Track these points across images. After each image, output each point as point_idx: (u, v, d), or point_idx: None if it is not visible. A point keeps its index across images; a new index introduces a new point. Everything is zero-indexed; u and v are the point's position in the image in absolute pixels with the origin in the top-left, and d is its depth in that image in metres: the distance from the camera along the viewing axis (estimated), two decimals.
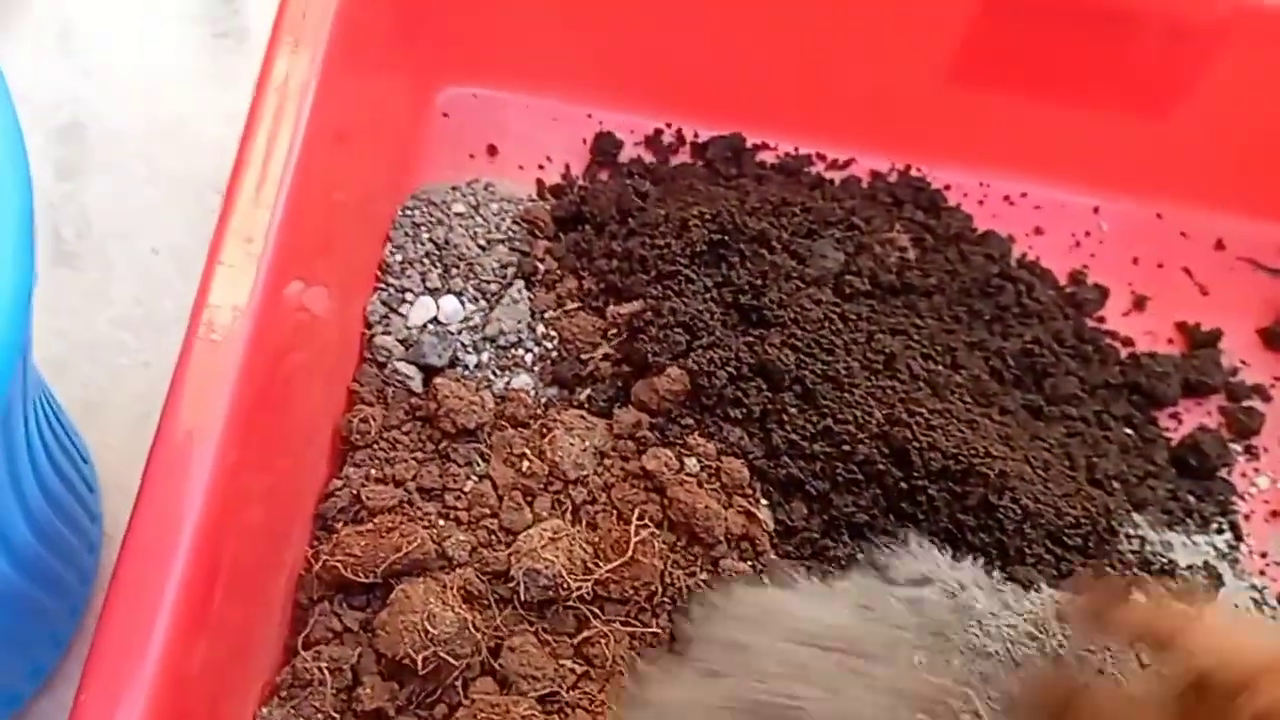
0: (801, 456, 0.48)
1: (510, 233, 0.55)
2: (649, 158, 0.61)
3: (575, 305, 0.53)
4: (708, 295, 0.52)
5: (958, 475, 0.48)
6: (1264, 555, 0.55)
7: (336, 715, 0.42)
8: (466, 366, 0.51)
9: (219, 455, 0.39)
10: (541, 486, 0.47)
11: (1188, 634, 0.35)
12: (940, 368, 0.52)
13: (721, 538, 0.46)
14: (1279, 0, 0.56)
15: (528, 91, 0.61)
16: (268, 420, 0.42)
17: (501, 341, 0.52)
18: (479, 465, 0.48)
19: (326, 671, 0.42)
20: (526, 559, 0.43)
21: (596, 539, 0.46)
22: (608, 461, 0.48)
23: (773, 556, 0.47)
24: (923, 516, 0.49)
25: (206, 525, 0.38)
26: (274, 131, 0.44)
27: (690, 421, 0.49)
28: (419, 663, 0.41)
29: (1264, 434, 0.58)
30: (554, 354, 0.52)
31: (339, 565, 0.44)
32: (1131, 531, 0.51)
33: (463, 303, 0.52)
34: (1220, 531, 0.54)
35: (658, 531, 0.46)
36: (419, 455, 0.48)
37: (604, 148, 0.60)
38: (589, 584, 0.44)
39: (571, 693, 0.43)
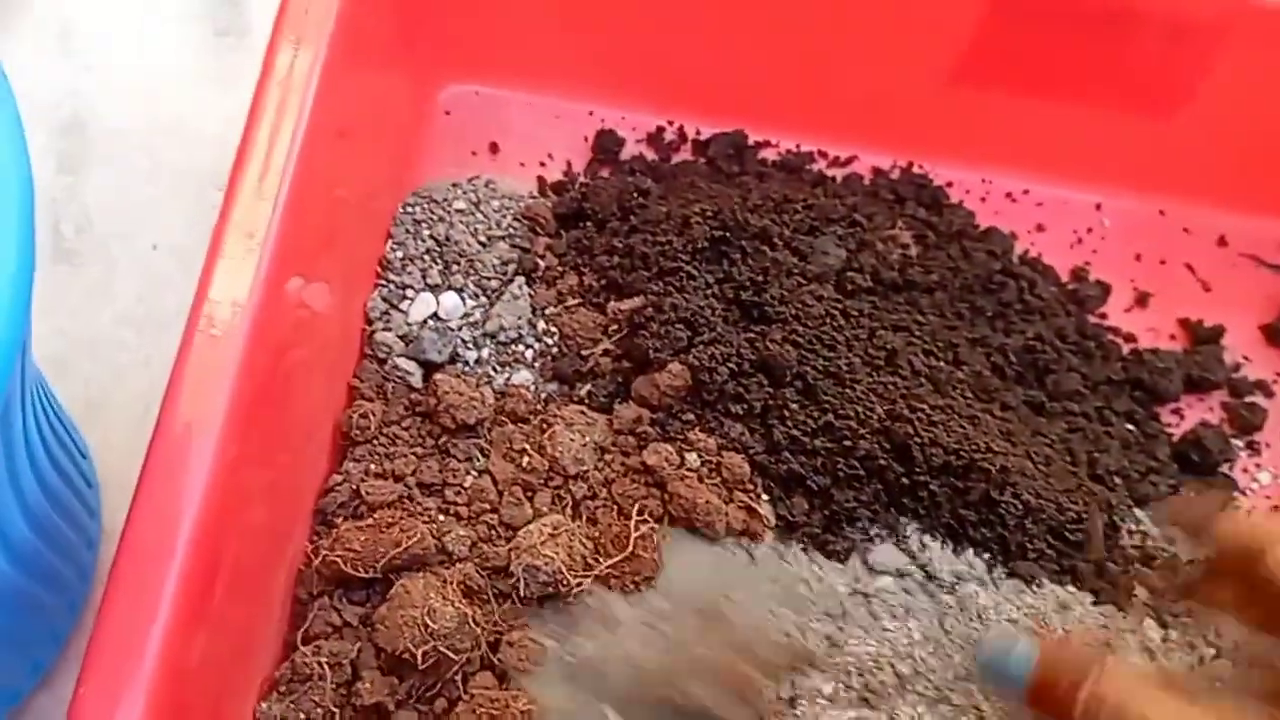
0: (803, 452, 0.48)
1: (511, 229, 0.55)
2: (650, 155, 0.61)
3: (576, 301, 0.53)
4: (709, 292, 0.52)
5: (959, 471, 0.48)
6: None
7: (336, 710, 0.42)
8: (467, 362, 0.51)
9: (219, 450, 0.39)
10: (541, 482, 0.47)
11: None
12: (942, 364, 0.52)
13: (722, 533, 0.46)
14: None
15: (529, 89, 0.61)
16: (268, 415, 0.42)
17: (502, 337, 0.52)
18: (479, 460, 0.48)
19: (326, 666, 0.42)
20: (526, 554, 0.43)
21: (597, 534, 0.46)
22: (608, 457, 0.48)
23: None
24: (924, 512, 0.48)
25: (206, 520, 0.38)
26: (276, 128, 0.44)
27: (691, 417, 0.49)
28: (419, 657, 0.41)
29: (1266, 430, 0.58)
30: (554, 350, 0.52)
31: (339, 560, 0.43)
32: (1134, 527, 0.51)
33: (463, 299, 0.52)
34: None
35: (658, 527, 0.46)
36: (419, 450, 0.48)
37: (605, 145, 0.60)
38: (589, 579, 0.44)
39: None
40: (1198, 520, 0.44)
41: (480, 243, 0.54)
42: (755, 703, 0.43)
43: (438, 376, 0.49)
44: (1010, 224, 0.61)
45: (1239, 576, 0.41)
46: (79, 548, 0.46)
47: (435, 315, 0.52)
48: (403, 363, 0.50)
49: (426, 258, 0.53)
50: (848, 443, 0.48)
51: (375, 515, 0.45)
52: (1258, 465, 0.57)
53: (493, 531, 0.46)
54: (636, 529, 0.45)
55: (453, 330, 0.51)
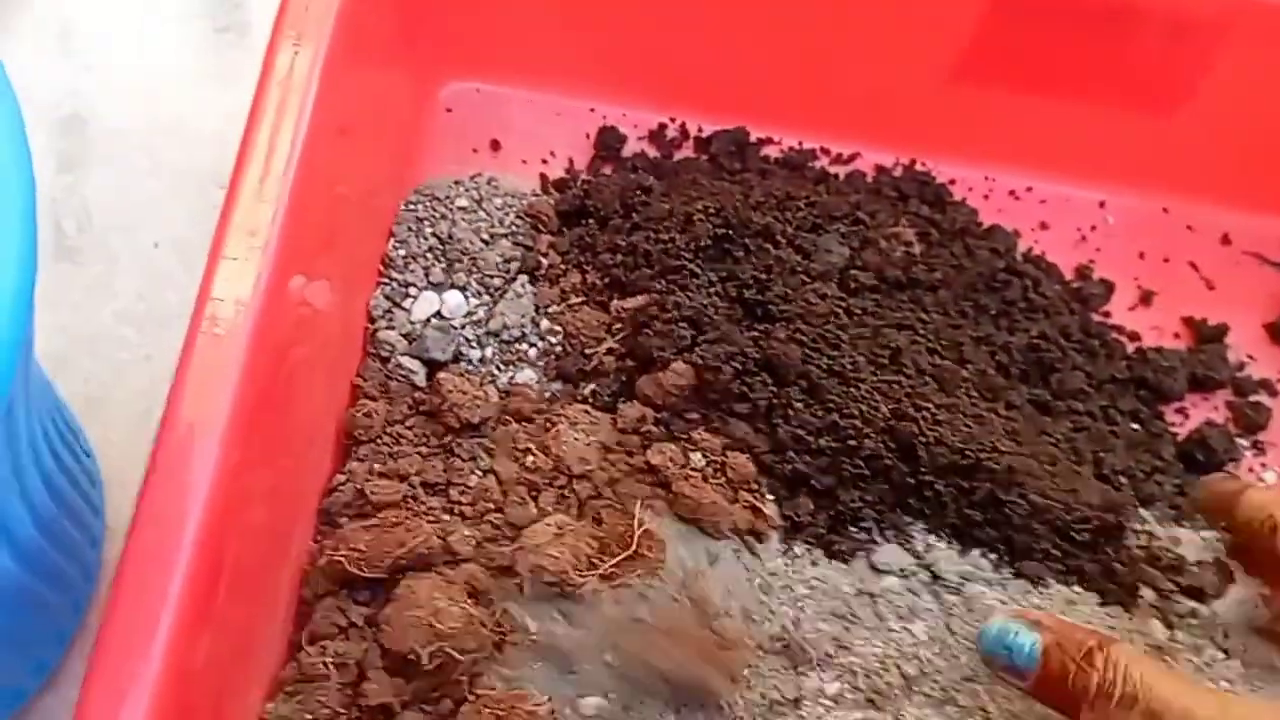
0: (807, 451, 0.48)
1: (514, 227, 0.55)
2: (653, 152, 0.60)
3: (579, 300, 0.53)
4: (712, 290, 0.52)
5: (965, 470, 0.48)
6: None
7: (342, 710, 0.41)
8: (470, 361, 0.51)
9: (222, 450, 0.38)
10: (546, 481, 0.47)
11: None
12: (946, 362, 0.52)
13: (727, 532, 0.46)
14: None
15: (531, 86, 0.61)
16: (271, 415, 0.42)
17: (505, 336, 0.51)
18: (483, 460, 0.48)
19: (332, 667, 0.42)
20: (531, 554, 0.43)
21: (601, 534, 0.45)
22: (612, 456, 0.48)
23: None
24: (930, 511, 0.48)
25: (210, 521, 0.37)
26: (277, 125, 0.44)
27: (695, 416, 0.49)
28: (425, 658, 0.41)
29: (1271, 429, 0.58)
30: (558, 349, 0.51)
31: (343, 560, 0.43)
32: (1139, 526, 0.51)
33: (466, 297, 0.52)
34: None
35: (661, 524, 0.46)
36: (423, 450, 0.48)
37: (607, 142, 0.60)
38: (593, 578, 0.44)
39: None
40: (1226, 496, 0.46)
41: (483, 240, 0.54)
42: (727, 665, 0.43)
43: (441, 375, 0.49)
44: (1013, 222, 0.61)
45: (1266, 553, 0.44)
46: (83, 546, 0.46)
47: (438, 314, 0.52)
48: (406, 361, 0.50)
49: (429, 256, 0.53)
50: (853, 442, 0.48)
51: (380, 515, 0.45)
52: (1263, 464, 0.57)
53: (498, 531, 0.45)
54: (640, 527, 0.45)
55: (456, 329, 0.51)
